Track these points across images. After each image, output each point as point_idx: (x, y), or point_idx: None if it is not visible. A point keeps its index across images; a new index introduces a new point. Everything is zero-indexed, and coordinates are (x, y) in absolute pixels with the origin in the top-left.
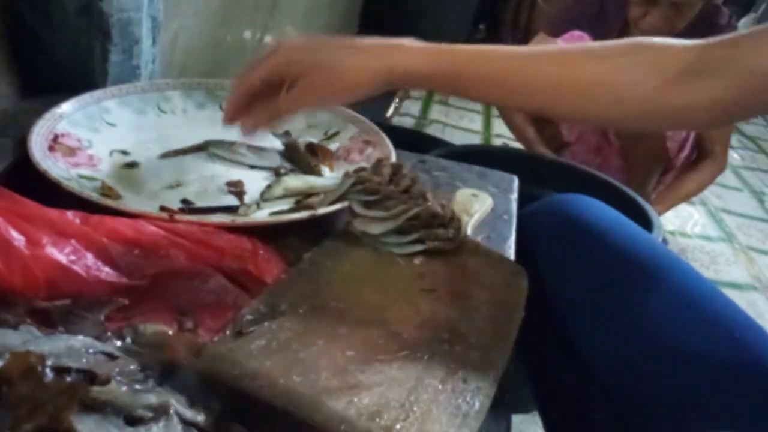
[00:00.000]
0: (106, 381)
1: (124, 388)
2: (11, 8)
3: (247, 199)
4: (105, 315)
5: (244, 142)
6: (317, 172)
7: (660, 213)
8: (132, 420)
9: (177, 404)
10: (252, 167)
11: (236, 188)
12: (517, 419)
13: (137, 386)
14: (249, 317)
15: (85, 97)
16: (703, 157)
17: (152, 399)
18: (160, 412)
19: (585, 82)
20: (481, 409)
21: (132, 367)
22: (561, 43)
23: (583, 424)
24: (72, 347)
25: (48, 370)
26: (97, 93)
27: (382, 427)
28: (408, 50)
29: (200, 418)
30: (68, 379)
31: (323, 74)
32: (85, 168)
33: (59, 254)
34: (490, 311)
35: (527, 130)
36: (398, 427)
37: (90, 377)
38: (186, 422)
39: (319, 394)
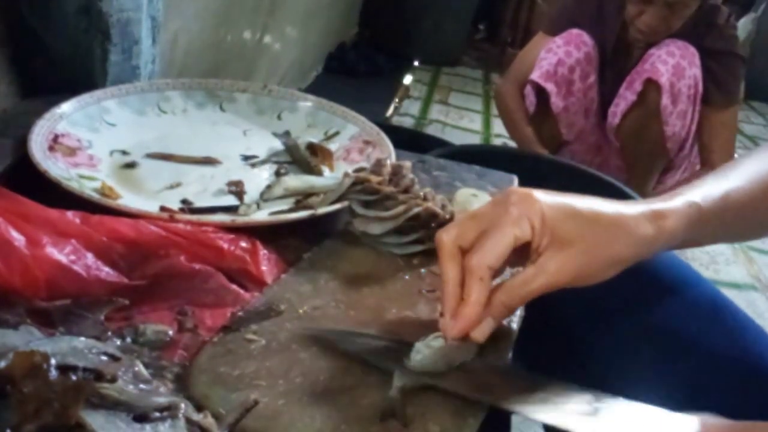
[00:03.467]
0: (113, 380)
1: (130, 387)
2: (11, 8)
3: (247, 199)
4: (105, 315)
5: None
6: (317, 172)
7: None
8: (139, 418)
9: (186, 406)
10: None
11: (236, 188)
12: (517, 419)
13: (142, 386)
14: (249, 317)
15: (85, 98)
16: (704, 164)
17: (161, 399)
18: (169, 412)
19: None
20: (481, 409)
21: (136, 368)
22: (559, 41)
23: None
24: (75, 348)
25: (53, 369)
26: (97, 93)
27: (382, 428)
28: (677, 216)
29: (208, 421)
30: (74, 377)
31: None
32: (85, 168)
33: (59, 254)
34: None
35: (525, 129)
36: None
37: (96, 376)
38: (193, 424)
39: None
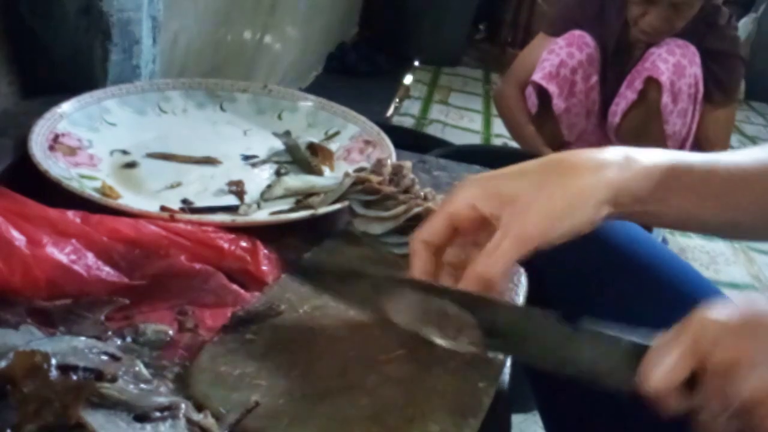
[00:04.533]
0: (114, 379)
1: (131, 387)
2: (11, 8)
3: (247, 198)
4: (105, 315)
5: None
6: (318, 172)
7: None
8: (139, 418)
9: (186, 406)
10: None
11: (236, 188)
12: (517, 419)
13: (143, 386)
14: (249, 317)
15: (86, 97)
16: None
17: (162, 399)
18: (170, 412)
19: None
20: (481, 409)
21: (137, 368)
22: (561, 42)
23: (583, 423)
24: (76, 348)
25: (53, 369)
26: (98, 93)
27: (382, 428)
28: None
29: (208, 421)
30: (74, 377)
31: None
32: (85, 168)
33: (60, 254)
34: None
35: (529, 130)
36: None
37: (97, 375)
38: (193, 424)
39: None
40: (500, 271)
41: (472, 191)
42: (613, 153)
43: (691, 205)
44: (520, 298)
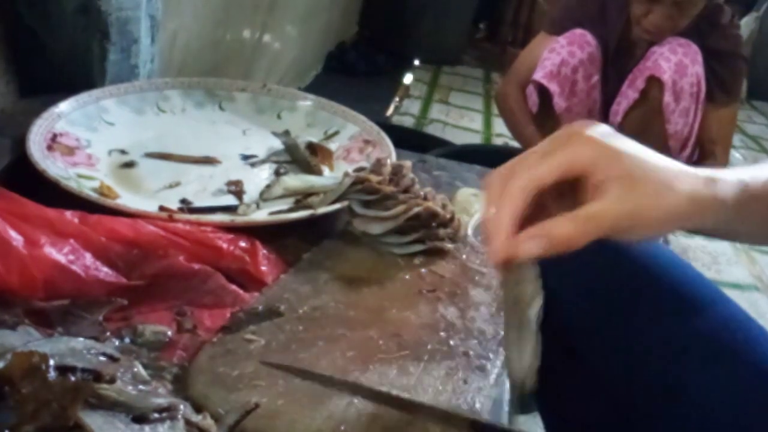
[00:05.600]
0: (112, 380)
1: (129, 388)
2: (10, 8)
3: (246, 198)
4: (104, 315)
5: None
6: (317, 172)
7: None
8: (138, 419)
9: (185, 408)
10: None
11: (236, 188)
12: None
13: (141, 387)
14: (248, 318)
15: (84, 97)
16: (704, 158)
17: (160, 400)
18: (169, 413)
19: None
20: (481, 409)
21: (135, 369)
22: (562, 41)
23: (583, 424)
24: (74, 349)
25: (52, 370)
26: (96, 92)
27: (382, 428)
28: (730, 186)
29: (207, 422)
30: (72, 378)
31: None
32: (83, 167)
33: (58, 254)
34: (490, 311)
35: (530, 129)
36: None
37: (95, 376)
38: (192, 425)
39: None
40: (583, 240)
41: (595, 150)
42: (728, 174)
43: (752, 226)
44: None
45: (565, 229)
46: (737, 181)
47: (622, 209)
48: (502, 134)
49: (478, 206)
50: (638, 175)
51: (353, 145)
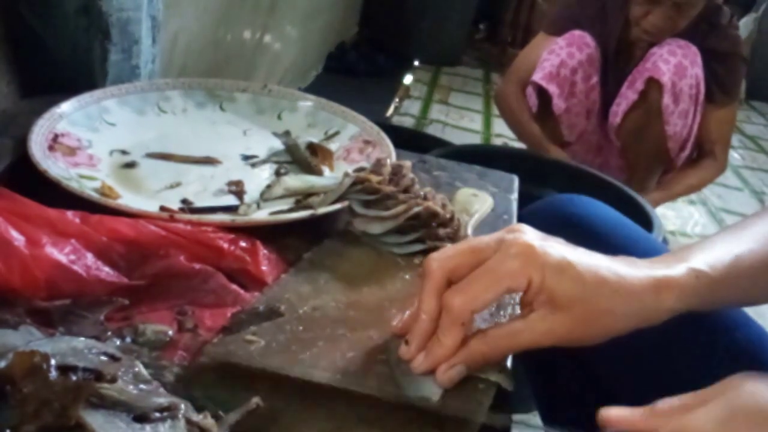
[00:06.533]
0: (113, 380)
1: (130, 387)
2: (11, 8)
3: (247, 198)
4: (105, 315)
5: None
6: (317, 172)
7: (657, 202)
8: (139, 418)
9: (186, 407)
10: None
11: (236, 188)
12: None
13: (142, 386)
14: (248, 318)
15: (85, 97)
16: (703, 157)
17: (162, 400)
18: (169, 413)
19: None
20: (481, 410)
21: (136, 368)
22: (561, 43)
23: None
24: (75, 348)
25: (53, 369)
26: (97, 93)
27: (382, 429)
28: (681, 289)
29: (208, 422)
30: (74, 377)
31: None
32: (84, 168)
33: (59, 254)
34: (490, 311)
35: (532, 128)
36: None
37: (96, 376)
38: (192, 424)
39: None
40: (500, 358)
41: (533, 273)
42: (679, 270)
43: (716, 305)
44: None
45: (479, 352)
46: (695, 276)
47: (541, 332)
48: (501, 134)
49: (478, 206)
50: (570, 301)
51: (353, 145)
